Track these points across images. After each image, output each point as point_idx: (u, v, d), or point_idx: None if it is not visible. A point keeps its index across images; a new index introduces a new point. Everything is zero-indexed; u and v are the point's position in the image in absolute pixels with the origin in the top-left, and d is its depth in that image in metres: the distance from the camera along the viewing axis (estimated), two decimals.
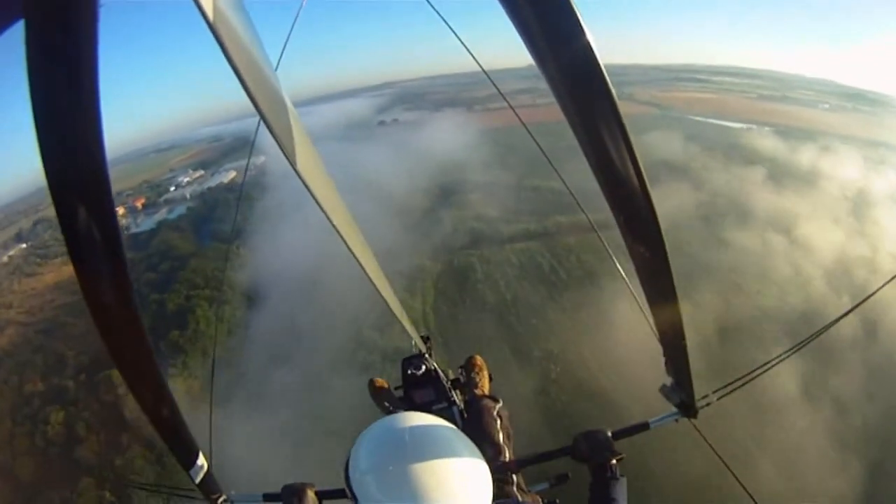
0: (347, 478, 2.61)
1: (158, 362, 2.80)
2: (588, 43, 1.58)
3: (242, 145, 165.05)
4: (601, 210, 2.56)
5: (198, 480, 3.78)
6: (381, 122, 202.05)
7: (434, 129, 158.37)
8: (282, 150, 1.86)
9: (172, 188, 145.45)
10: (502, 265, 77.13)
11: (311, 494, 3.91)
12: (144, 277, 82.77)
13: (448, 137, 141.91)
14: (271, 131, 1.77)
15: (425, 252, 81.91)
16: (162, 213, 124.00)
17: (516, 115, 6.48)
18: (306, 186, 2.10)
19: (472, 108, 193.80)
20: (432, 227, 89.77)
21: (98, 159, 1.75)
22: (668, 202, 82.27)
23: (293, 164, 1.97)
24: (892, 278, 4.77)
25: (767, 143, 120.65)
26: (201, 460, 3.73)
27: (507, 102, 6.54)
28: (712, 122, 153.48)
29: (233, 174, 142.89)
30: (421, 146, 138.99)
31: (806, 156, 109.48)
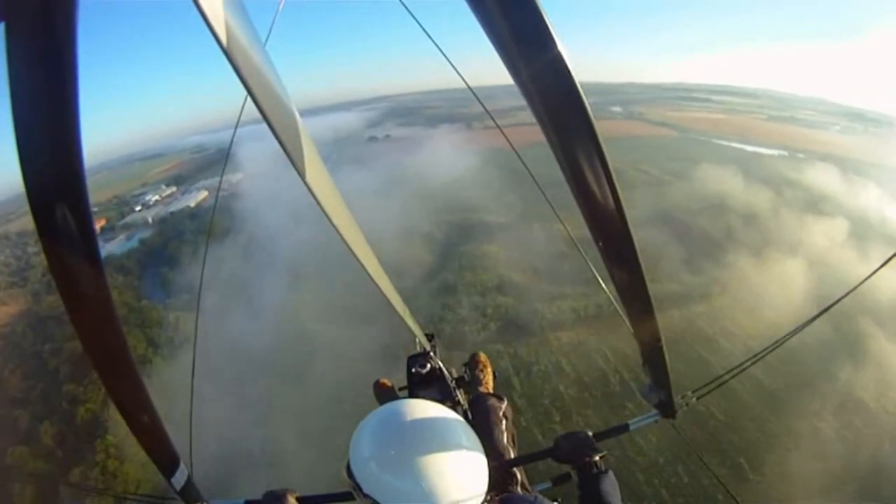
0: (349, 469, 2.47)
1: (139, 370, 2.60)
2: (560, 54, 1.50)
3: (222, 158, 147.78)
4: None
5: (179, 488, 3.47)
6: (372, 138, 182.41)
7: (432, 150, 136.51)
8: (282, 147, 1.75)
9: (138, 208, 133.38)
10: (549, 375, 49.22)
11: (292, 500, 3.57)
12: (57, 361, 61.49)
13: (449, 160, 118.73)
14: (272, 128, 1.67)
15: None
16: (115, 243, 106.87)
17: (506, 138, 5.86)
18: (306, 184, 1.97)
19: (471, 126, 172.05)
20: (440, 301, 63.39)
21: (76, 162, 1.69)
22: (776, 282, 59.08)
23: (295, 165, 1.87)
24: (870, 276, 4.16)
25: (818, 177, 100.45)
26: (182, 468, 3.42)
27: (495, 122, 6.03)
28: (741, 148, 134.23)
29: (203, 194, 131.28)
30: (417, 171, 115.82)
31: (868, 194, 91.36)
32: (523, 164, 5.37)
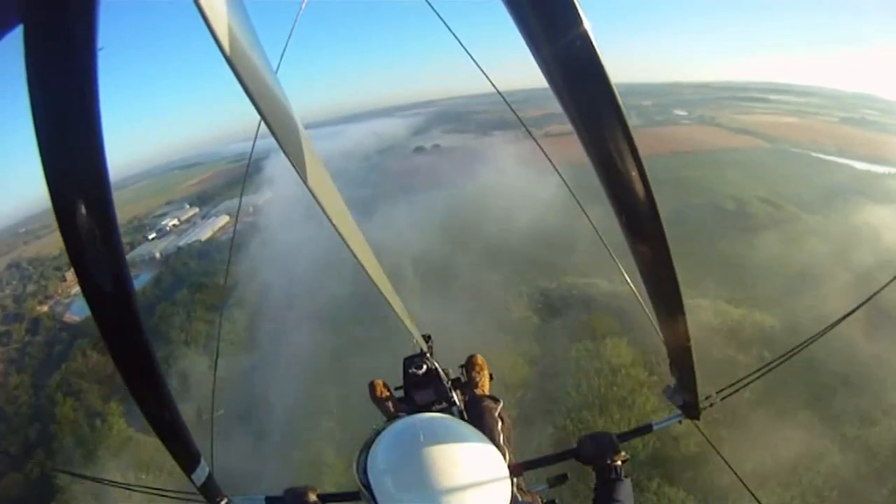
0: (365, 478, 2.45)
1: (161, 367, 2.56)
2: (585, 31, 1.44)
3: (257, 169, 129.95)
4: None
5: (199, 484, 3.41)
6: (419, 149, 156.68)
7: (492, 165, 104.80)
8: (281, 146, 1.72)
9: (152, 235, 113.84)
10: None
11: (313, 497, 3.61)
12: None
13: (518, 180, 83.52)
14: (271, 129, 1.64)
15: None
16: None
17: (540, 147, 5.43)
18: (302, 178, 1.93)
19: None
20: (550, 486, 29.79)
21: (98, 163, 1.68)
22: None
23: (294, 165, 1.84)
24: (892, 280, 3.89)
25: None
26: (203, 464, 3.36)
27: (527, 129, 5.87)
28: (848, 164, 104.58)
29: (223, 220, 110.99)
30: (482, 200, 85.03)
31: None
32: (564, 182, 4.82)
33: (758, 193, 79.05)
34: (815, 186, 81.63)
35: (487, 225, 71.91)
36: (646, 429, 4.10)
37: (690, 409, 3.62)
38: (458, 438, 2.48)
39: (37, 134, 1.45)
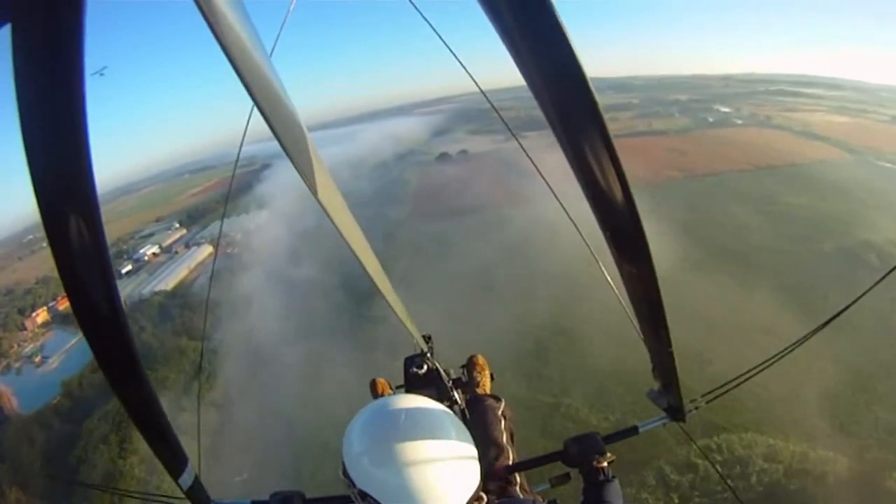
0: (344, 467, 2.36)
1: (146, 370, 2.44)
2: (569, 45, 1.38)
3: (264, 174, 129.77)
4: None
5: (186, 488, 3.26)
6: (444, 156, 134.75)
7: (537, 178, 76.54)
8: (283, 147, 1.67)
9: (127, 268, 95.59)
10: None
11: (300, 502, 3.43)
12: None
13: (580, 203, 56.74)
14: (275, 132, 1.60)
15: None
16: (43, 372, 65.20)
17: (526, 152, 4.69)
18: (306, 185, 1.92)
19: None
20: None
21: (83, 163, 1.60)
22: None
23: (295, 164, 1.79)
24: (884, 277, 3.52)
25: None
26: (189, 468, 3.22)
27: (512, 132, 5.10)
28: None
29: (205, 252, 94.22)
30: (537, 235, 61.60)
31: None
32: (564, 210, 4.11)
33: (888, 235, 59.43)
34: None
35: (562, 296, 48.36)
36: (631, 431, 3.80)
37: (675, 412, 3.45)
38: (432, 416, 2.37)
39: (23, 133, 1.43)
